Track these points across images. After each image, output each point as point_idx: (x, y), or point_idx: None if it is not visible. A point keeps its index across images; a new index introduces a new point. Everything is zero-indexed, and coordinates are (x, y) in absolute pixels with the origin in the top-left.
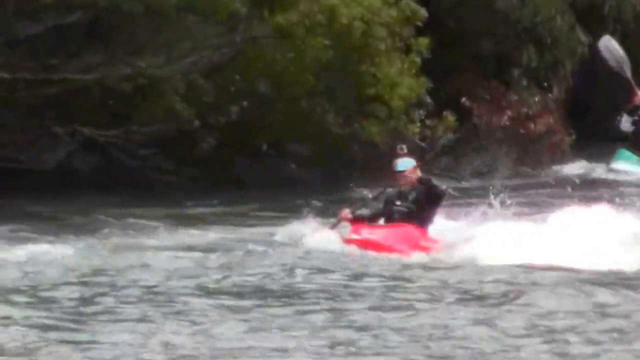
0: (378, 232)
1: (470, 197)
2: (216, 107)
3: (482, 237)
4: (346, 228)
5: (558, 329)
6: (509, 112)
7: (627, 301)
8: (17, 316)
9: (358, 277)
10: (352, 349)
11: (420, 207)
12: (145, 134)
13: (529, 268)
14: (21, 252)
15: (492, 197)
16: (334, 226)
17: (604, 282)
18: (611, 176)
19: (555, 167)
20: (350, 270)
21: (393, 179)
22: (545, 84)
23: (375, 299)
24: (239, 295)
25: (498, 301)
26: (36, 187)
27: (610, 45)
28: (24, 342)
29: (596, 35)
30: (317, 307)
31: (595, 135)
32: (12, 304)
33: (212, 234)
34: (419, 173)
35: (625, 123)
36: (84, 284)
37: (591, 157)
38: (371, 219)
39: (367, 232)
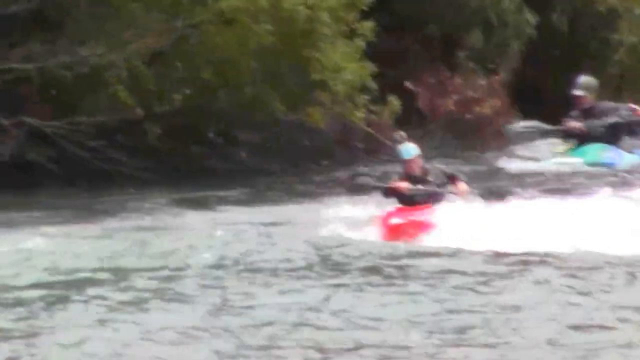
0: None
1: None
2: (160, 95)
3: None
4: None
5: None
6: (454, 96)
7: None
8: None
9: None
10: None
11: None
12: (91, 125)
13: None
14: None
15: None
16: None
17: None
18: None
19: (500, 152)
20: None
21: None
22: (492, 67)
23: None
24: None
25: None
26: None
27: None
28: None
29: (543, 16)
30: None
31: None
32: None
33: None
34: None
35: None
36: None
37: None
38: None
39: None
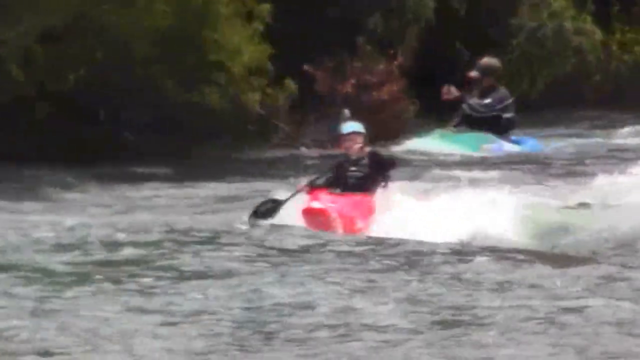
0: (340, 201)
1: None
2: (54, 74)
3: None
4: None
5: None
6: (352, 80)
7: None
8: None
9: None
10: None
11: (372, 174)
12: None
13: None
14: None
15: None
16: (292, 196)
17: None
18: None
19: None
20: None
21: (337, 145)
22: (392, 51)
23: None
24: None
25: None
26: None
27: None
28: None
29: (443, 1)
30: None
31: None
32: None
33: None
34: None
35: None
36: None
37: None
38: (327, 187)
39: (328, 200)
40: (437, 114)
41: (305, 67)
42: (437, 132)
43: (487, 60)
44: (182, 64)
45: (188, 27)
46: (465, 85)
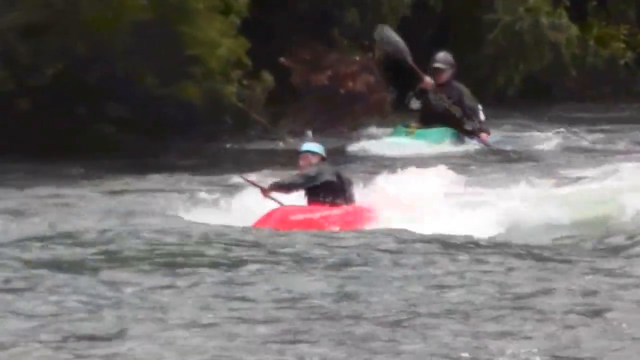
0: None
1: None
2: (32, 68)
3: None
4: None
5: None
6: (328, 72)
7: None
8: None
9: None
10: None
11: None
12: None
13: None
14: None
15: None
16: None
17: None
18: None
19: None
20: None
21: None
22: (367, 43)
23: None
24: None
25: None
26: None
27: (386, 36)
28: None
29: None
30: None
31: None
32: None
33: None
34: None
35: (414, 103)
36: None
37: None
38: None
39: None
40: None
41: (281, 59)
42: (401, 130)
43: (444, 54)
44: (160, 57)
45: (165, 21)
46: (436, 79)
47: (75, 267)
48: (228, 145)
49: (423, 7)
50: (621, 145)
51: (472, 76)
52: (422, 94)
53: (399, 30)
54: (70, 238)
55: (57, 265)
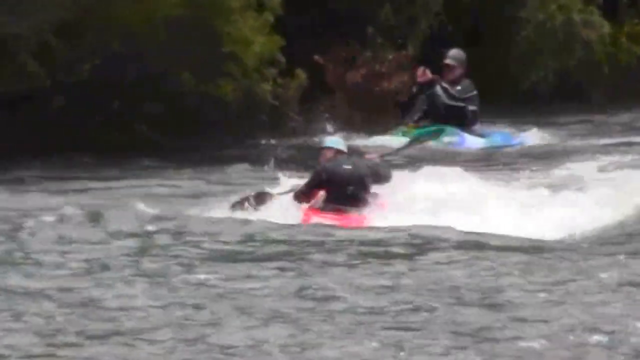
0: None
1: None
2: (68, 66)
3: None
4: None
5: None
6: (362, 71)
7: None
8: None
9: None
10: None
11: None
12: None
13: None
14: None
15: None
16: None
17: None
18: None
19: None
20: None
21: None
22: (401, 42)
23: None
24: None
25: None
26: None
27: None
28: None
29: None
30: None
31: None
32: None
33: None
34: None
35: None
36: None
37: None
38: None
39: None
40: None
41: (316, 57)
42: (399, 130)
43: (457, 51)
44: (195, 55)
45: (200, 18)
46: (446, 75)
47: (128, 265)
48: (263, 142)
49: (455, 4)
50: None
51: (504, 74)
52: (421, 90)
53: (431, 27)
54: (119, 238)
55: (112, 264)
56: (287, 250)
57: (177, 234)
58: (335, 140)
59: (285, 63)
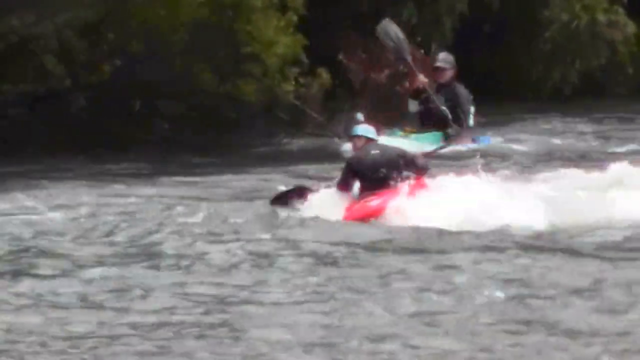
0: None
1: None
2: (90, 66)
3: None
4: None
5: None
6: (386, 70)
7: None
8: None
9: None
10: None
11: None
12: (16, 93)
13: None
14: None
15: None
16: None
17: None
18: None
19: None
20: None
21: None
22: (419, 39)
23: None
24: None
25: None
26: None
27: (387, 31)
28: None
29: None
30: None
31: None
32: None
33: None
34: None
35: (412, 106)
36: None
37: None
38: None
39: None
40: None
41: (340, 56)
42: (397, 134)
43: (446, 55)
44: (217, 55)
45: (222, 18)
46: (437, 78)
47: (160, 264)
48: (285, 141)
49: (480, 4)
50: None
51: (528, 74)
52: (417, 95)
53: (456, 28)
54: (151, 234)
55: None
56: (325, 247)
57: (215, 232)
58: (365, 129)
59: (307, 63)
